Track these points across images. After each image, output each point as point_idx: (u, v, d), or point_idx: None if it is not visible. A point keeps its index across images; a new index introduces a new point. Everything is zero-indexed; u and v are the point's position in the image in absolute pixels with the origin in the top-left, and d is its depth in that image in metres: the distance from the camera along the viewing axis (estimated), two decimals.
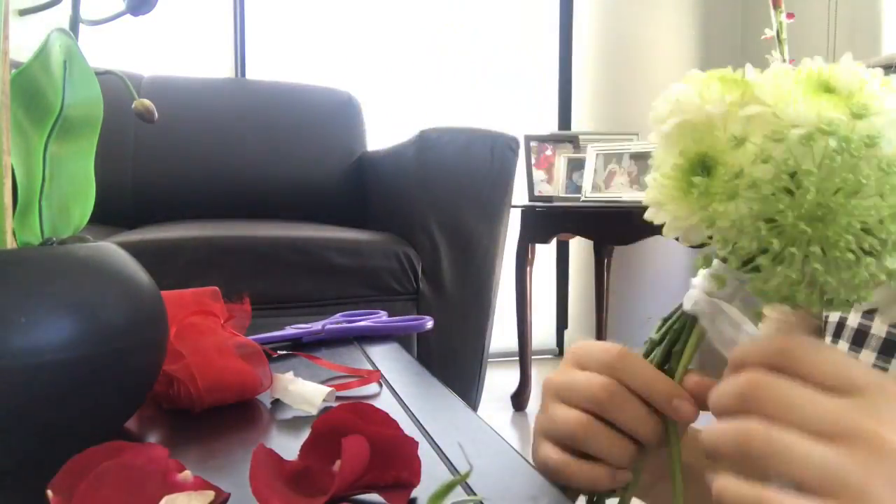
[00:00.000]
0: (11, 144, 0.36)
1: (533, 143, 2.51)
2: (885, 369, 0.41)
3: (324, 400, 0.45)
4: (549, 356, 2.73)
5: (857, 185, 0.24)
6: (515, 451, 0.37)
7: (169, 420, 0.45)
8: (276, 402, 0.47)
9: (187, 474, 0.28)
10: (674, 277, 2.73)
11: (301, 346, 0.65)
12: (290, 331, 0.67)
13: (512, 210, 1.67)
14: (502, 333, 2.22)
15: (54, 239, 0.40)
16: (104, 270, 0.37)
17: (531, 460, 0.36)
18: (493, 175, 1.58)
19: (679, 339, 0.34)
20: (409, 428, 0.40)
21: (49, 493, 0.26)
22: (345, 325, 0.70)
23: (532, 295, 2.14)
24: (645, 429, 0.33)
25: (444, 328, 1.52)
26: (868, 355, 0.42)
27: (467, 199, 1.53)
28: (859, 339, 0.43)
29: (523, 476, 0.34)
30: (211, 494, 0.27)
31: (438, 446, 0.38)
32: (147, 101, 0.47)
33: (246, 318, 0.57)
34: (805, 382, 0.26)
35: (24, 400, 0.32)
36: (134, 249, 0.41)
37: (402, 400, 0.48)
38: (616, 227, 2.12)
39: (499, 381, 2.23)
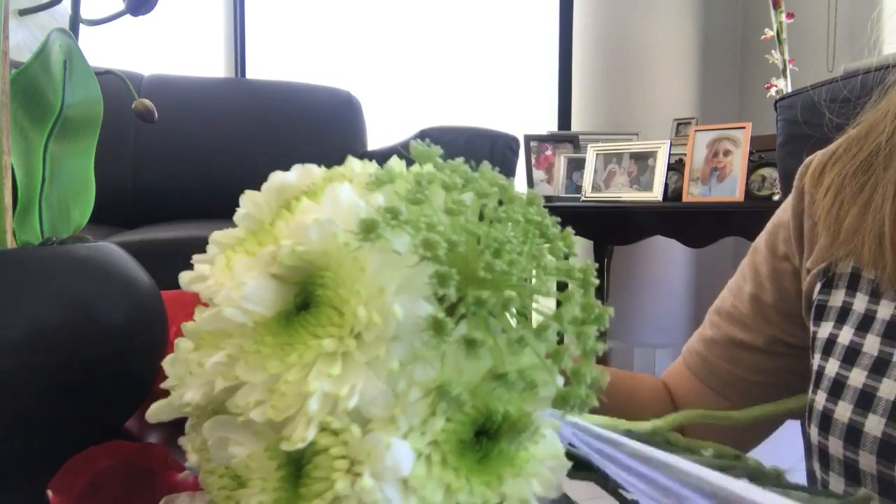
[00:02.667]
0: (11, 144, 0.36)
1: (533, 143, 2.51)
2: (890, 353, 0.40)
3: None
4: None
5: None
6: None
7: (169, 421, 0.45)
8: None
9: (187, 474, 0.28)
10: (674, 277, 2.73)
11: None
12: None
13: None
14: None
15: (54, 239, 0.40)
16: (104, 270, 0.37)
17: None
18: None
19: None
20: None
21: (49, 492, 0.26)
22: None
23: None
24: None
25: None
26: (873, 339, 0.42)
27: None
28: (866, 323, 0.43)
29: None
30: None
31: None
32: (147, 101, 0.47)
33: None
34: None
35: (24, 400, 0.32)
36: (134, 249, 0.41)
37: None
38: (616, 227, 2.13)
39: None
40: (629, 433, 0.27)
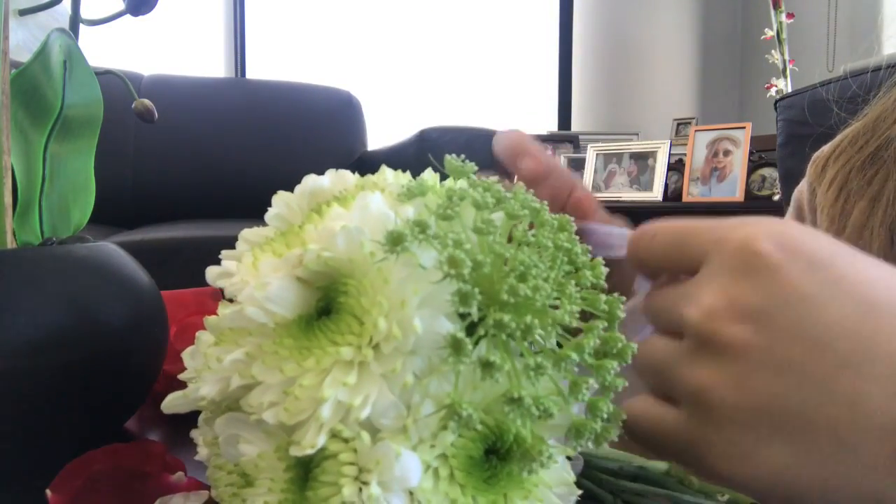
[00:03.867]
0: (11, 144, 0.36)
1: None
2: None
3: None
4: None
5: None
6: None
7: (169, 420, 0.45)
8: None
9: (180, 475, 0.28)
10: None
11: None
12: None
13: None
14: None
15: (54, 239, 0.40)
16: (104, 270, 0.37)
17: None
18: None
19: None
20: None
21: (48, 494, 0.26)
22: None
23: None
24: None
25: None
26: None
27: None
28: None
29: None
30: (205, 494, 0.27)
31: None
32: (147, 101, 0.47)
33: None
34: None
35: (24, 400, 0.32)
36: (134, 249, 0.41)
37: None
38: None
39: None
40: (642, 469, 0.27)
